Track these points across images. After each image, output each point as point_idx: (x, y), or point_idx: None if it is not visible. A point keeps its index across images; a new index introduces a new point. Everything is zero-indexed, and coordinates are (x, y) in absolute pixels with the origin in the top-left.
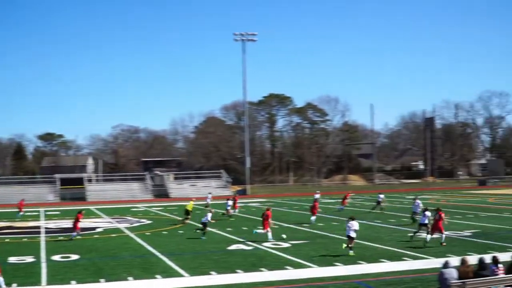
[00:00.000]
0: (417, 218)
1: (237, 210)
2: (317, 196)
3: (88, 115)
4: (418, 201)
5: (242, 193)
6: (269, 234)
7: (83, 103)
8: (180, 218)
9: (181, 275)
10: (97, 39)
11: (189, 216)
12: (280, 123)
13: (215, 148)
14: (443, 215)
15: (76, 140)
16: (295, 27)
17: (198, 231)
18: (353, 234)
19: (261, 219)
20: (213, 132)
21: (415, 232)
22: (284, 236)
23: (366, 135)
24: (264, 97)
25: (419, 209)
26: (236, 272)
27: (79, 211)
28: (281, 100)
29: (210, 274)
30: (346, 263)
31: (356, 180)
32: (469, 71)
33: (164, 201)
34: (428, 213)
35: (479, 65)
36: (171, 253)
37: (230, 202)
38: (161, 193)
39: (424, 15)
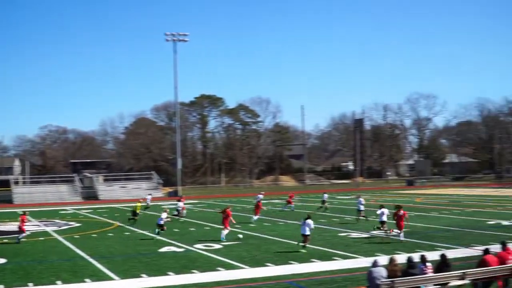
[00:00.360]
0: (361, 217)
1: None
2: (261, 196)
3: (14, 115)
4: (361, 199)
5: (174, 194)
6: (224, 232)
7: (9, 103)
8: (111, 220)
9: (111, 278)
10: (22, 37)
11: (136, 217)
12: (212, 124)
13: (145, 149)
14: (405, 213)
15: (1, 141)
16: (227, 28)
17: (155, 234)
18: (308, 232)
19: (222, 217)
20: (144, 133)
21: (377, 227)
22: (240, 236)
23: (297, 136)
24: (196, 98)
25: (362, 207)
26: (167, 274)
27: (23, 213)
28: (213, 101)
29: (141, 276)
30: (277, 263)
31: (287, 181)
32: (397, 73)
33: (93, 203)
34: (385, 210)
35: (407, 67)
36: (101, 256)
37: (181, 204)
38: (90, 195)
39: (354, 17)
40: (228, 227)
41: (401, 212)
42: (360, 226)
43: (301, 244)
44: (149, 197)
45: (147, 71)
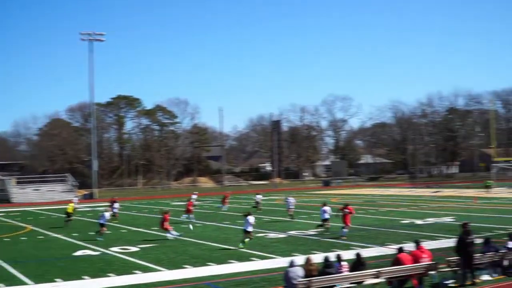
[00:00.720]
0: (289, 216)
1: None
2: (194, 196)
3: None
4: (290, 198)
5: (89, 197)
6: (173, 233)
7: None
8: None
9: (25, 283)
10: None
11: (71, 218)
12: (129, 125)
13: (60, 151)
14: (352, 210)
15: None
16: (144, 28)
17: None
18: (250, 228)
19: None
20: (58, 134)
21: (318, 225)
22: (191, 227)
23: (215, 138)
24: (112, 98)
25: (292, 206)
26: (82, 279)
27: None
28: (130, 101)
29: (55, 281)
30: (195, 265)
31: (205, 182)
32: (314, 76)
33: (5, 206)
34: (327, 208)
35: (323, 69)
36: (14, 261)
37: (117, 205)
38: (2, 198)
39: (273, 19)
40: (169, 228)
41: (347, 209)
42: (277, 227)
43: (243, 240)
44: (75, 199)
45: (61, 71)
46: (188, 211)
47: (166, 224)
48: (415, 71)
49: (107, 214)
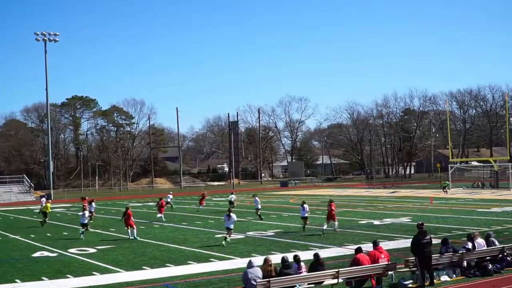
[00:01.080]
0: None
1: None
2: (171, 196)
3: None
4: (257, 198)
5: (47, 198)
6: (135, 231)
7: None
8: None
9: None
10: None
11: (46, 218)
12: (85, 126)
13: (16, 152)
14: (334, 206)
15: None
16: (99, 29)
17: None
18: (231, 226)
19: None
20: (14, 135)
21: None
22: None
23: (172, 139)
24: (67, 99)
25: (259, 205)
26: (41, 279)
27: None
28: (86, 102)
29: (15, 282)
30: (153, 266)
31: (163, 183)
32: (270, 77)
33: None
34: (306, 206)
35: (280, 70)
36: None
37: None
38: None
39: (227, 20)
40: (134, 226)
41: (332, 206)
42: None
43: (225, 238)
44: (43, 200)
45: (16, 71)
46: (160, 211)
47: (131, 221)
48: (371, 72)
49: (86, 213)
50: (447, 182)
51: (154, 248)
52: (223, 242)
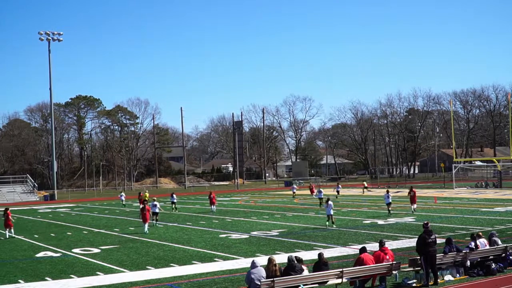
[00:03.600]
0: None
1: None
2: (175, 196)
3: None
4: (330, 202)
5: (50, 198)
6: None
7: None
8: None
9: None
10: None
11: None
12: (89, 125)
13: (20, 151)
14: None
15: None
16: (104, 28)
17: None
18: (332, 212)
19: None
20: (18, 135)
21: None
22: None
23: (176, 138)
24: (72, 98)
25: (331, 211)
26: (45, 280)
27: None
28: (90, 102)
29: (18, 282)
30: (157, 266)
31: (167, 183)
32: (275, 76)
33: None
34: (331, 203)
35: (284, 70)
36: None
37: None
38: None
39: (232, 20)
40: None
41: (412, 192)
42: (240, 228)
43: (329, 222)
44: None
45: (20, 71)
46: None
47: (148, 214)
48: (375, 72)
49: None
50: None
51: (158, 248)
52: (330, 227)
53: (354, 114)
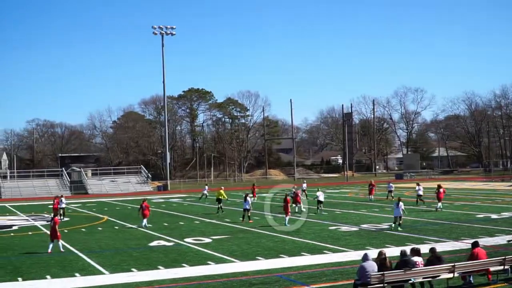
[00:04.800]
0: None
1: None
2: (305, 185)
3: (1, 109)
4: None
5: (162, 189)
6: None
7: None
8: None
9: (101, 273)
10: (11, 31)
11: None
12: (201, 118)
13: (134, 143)
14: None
15: None
16: (214, 21)
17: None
18: (401, 214)
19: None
20: (132, 127)
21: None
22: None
23: (286, 130)
24: (184, 91)
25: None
26: (157, 268)
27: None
28: (202, 94)
29: (131, 271)
30: (267, 257)
31: (277, 175)
32: (385, 67)
33: (82, 197)
34: (401, 204)
35: (396, 61)
36: (90, 251)
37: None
38: (79, 189)
39: (340, 11)
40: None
41: (441, 189)
42: (350, 220)
43: (394, 225)
44: (206, 187)
45: (135, 65)
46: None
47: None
48: (489, 61)
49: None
50: None
51: (268, 239)
52: (393, 225)
53: (468, 106)
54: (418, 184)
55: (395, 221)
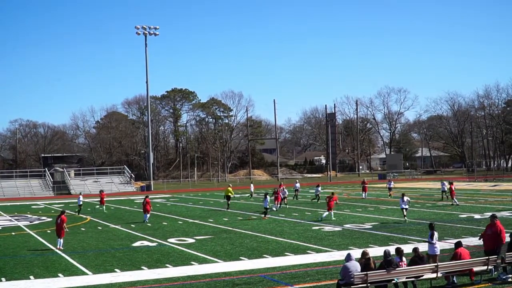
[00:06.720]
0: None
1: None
2: (297, 185)
3: None
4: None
5: (146, 189)
6: (326, 213)
7: None
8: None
9: (84, 273)
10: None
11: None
12: (184, 118)
13: (117, 143)
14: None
15: None
16: (198, 22)
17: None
18: (406, 206)
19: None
20: (115, 127)
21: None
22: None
23: (269, 131)
24: (168, 91)
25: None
26: (141, 269)
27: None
28: (185, 95)
29: (114, 271)
30: (251, 257)
31: (260, 175)
32: (368, 68)
33: (65, 197)
34: (406, 198)
35: (378, 61)
36: (73, 251)
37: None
38: (61, 189)
39: (324, 13)
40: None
41: (452, 187)
42: (333, 220)
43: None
44: (251, 185)
45: (118, 65)
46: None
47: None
48: (472, 62)
49: (268, 198)
50: None
51: (251, 239)
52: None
53: (451, 106)
54: (389, 180)
55: (404, 214)
